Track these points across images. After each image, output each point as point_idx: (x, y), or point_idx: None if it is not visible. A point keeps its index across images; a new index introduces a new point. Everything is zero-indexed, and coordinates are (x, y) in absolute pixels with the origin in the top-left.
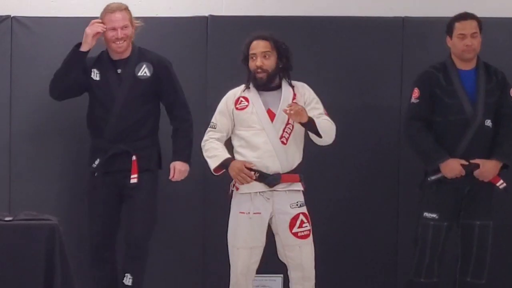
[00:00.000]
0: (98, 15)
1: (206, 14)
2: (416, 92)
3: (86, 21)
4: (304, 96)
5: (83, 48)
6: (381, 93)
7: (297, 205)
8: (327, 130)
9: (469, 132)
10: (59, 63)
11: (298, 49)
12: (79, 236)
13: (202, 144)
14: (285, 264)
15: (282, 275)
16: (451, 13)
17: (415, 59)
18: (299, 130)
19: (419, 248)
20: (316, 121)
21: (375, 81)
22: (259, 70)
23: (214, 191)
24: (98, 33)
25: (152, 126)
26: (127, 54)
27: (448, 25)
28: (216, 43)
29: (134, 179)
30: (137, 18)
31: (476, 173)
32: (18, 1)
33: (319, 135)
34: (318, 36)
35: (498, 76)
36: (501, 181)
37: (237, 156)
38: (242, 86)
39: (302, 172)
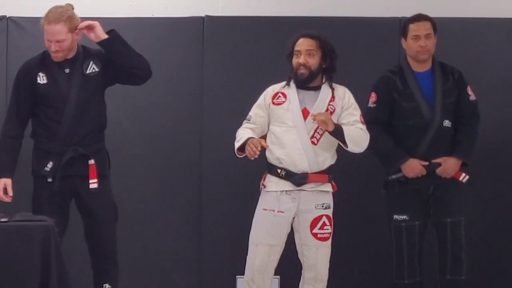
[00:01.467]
0: (94, 15)
1: (202, 15)
2: (373, 97)
3: (82, 21)
4: (343, 100)
5: None
6: None
7: (322, 206)
8: (357, 139)
9: (428, 134)
10: None
11: None
12: (75, 237)
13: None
14: (282, 266)
15: (279, 277)
16: (447, 13)
17: None
18: None
19: (396, 251)
20: (345, 129)
21: (372, 81)
22: (301, 67)
23: (210, 190)
24: None
25: (102, 127)
26: (72, 54)
27: (402, 27)
28: (212, 44)
29: (94, 184)
30: (133, 18)
31: (439, 170)
32: (14, 2)
33: (345, 144)
34: None
35: (455, 75)
36: (463, 174)
37: (268, 153)
38: (283, 82)
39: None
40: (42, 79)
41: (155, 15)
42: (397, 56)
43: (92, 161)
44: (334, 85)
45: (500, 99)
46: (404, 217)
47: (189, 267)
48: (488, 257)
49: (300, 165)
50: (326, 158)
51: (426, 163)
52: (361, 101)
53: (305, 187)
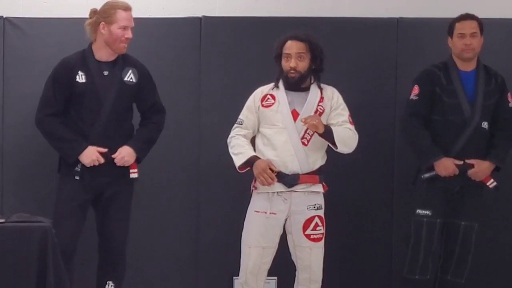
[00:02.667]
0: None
1: (200, 15)
2: (416, 89)
3: (79, 22)
4: (332, 100)
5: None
6: (376, 93)
7: (314, 207)
8: (346, 139)
9: (466, 133)
10: (51, 64)
11: None
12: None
13: (228, 140)
14: (280, 266)
15: (276, 278)
16: (445, 14)
17: (409, 59)
18: None
19: (413, 245)
20: (335, 130)
21: (370, 81)
22: (292, 71)
23: (208, 191)
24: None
25: (131, 134)
26: (113, 57)
27: (449, 26)
28: (209, 44)
29: (134, 173)
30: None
31: (470, 172)
32: (11, 2)
33: (335, 145)
34: None
35: (498, 79)
36: (492, 180)
37: (258, 154)
38: (271, 84)
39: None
40: (81, 77)
41: (152, 16)
42: (394, 56)
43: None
44: (322, 85)
45: None
46: (427, 212)
47: (186, 268)
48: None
49: (291, 166)
50: (317, 158)
51: (461, 162)
52: (359, 99)
53: (297, 188)
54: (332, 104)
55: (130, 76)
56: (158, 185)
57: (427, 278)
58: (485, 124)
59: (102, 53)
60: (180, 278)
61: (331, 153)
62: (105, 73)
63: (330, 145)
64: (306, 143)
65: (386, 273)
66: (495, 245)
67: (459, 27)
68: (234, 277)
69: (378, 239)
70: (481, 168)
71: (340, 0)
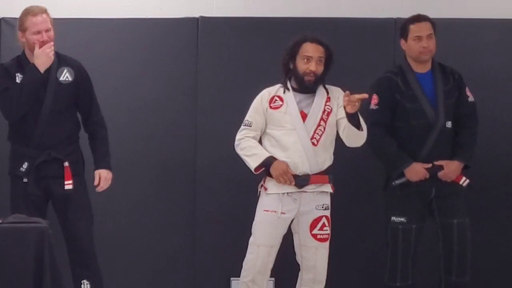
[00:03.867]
0: (88, 16)
1: (197, 15)
2: (375, 99)
3: (75, 22)
4: (338, 99)
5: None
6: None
7: (322, 207)
8: (363, 127)
9: (432, 136)
10: None
11: None
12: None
13: (237, 142)
14: (277, 268)
15: (273, 279)
16: (442, 14)
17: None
18: (330, 133)
19: (391, 253)
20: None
21: (367, 82)
22: (311, 74)
23: (205, 192)
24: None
25: (76, 131)
26: None
27: (402, 28)
28: (206, 44)
29: (69, 185)
30: (127, 19)
31: (440, 174)
32: (8, 3)
33: (359, 128)
34: None
35: (455, 76)
36: (464, 178)
37: None
38: (277, 86)
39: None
40: (19, 79)
41: (149, 16)
42: (392, 56)
43: (66, 163)
44: (327, 86)
45: (497, 100)
46: (402, 219)
47: (183, 269)
48: (487, 258)
49: (301, 166)
50: (326, 158)
51: (429, 165)
52: None
53: (306, 188)
54: (338, 102)
55: (65, 76)
56: (154, 185)
57: (409, 284)
58: (449, 124)
59: (31, 57)
60: (177, 278)
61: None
62: None
63: (347, 135)
64: (316, 143)
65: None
66: (490, 240)
67: (414, 30)
68: (231, 278)
69: (376, 240)
70: (450, 169)
71: (337, 1)
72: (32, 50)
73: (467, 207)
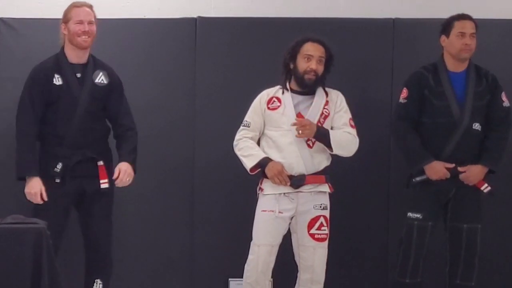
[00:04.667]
0: None
1: (195, 16)
2: (404, 92)
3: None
4: (336, 104)
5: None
6: (371, 94)
7: (320, 207)
8: (343, 142)
9: (456, 135)
10: None
11: None
12: (68, 239)
13: (235, 143)
14: (275, 268)
15: (272, 279)
16: (441, 14)
17: (405, 60)
18: None
19: (404, 248)
20: (331, 133)
21: (366, 82)
22: (312, 73)
23: (203, 193)
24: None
25: (107, 132)
26: (84, 59)
27: (445, 23)
28: (204, 45)
29: (104, 183)
30: (125, 20)
31: (462, 176)
32: (5, 3)
33: (330, 148)
34: None
35: (489, 78)
36: (486, 185)
37: None
38: (277, 87)
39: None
40: (58, 80)
41: (148, 16)
42: (390, 56)
43: (101, 162)
44: (327, 89)
45: None
46: (418, 215)
47: (182, 269)
48: (498, 264)
49: (297, 167)
50: (322, 159)
51: (452, 165)
52: (355, 100)
53: (303, 188)
54: (336, 107)
55: (101, 78)
56: (153, 186)
57: (418, 281)
58: (476, 126)
59: (73, 55)
60: (175, 279)
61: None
62: (78, 75)
63: (326, 148)
64: (311, 145)
65: (382, 276)
66: (502, 247)
67: (459, 26)
68: (229, 279)
69: (375, 241)
70: (472, 173)
71: (336, 1)
72: (72, 39)
73: (484, 213)
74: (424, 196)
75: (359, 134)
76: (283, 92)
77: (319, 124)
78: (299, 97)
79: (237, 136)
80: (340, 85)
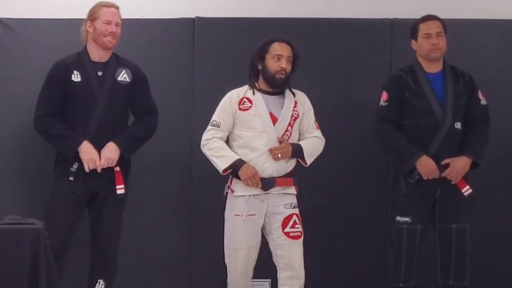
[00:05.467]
0: (84, 17)
1: (193, 16)
2: (384, 95)
3: (71, 23)
4: (304, 105)
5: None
6: (370, 94)
7: (290, 206)
8: (315, 151)
9: (439, 135)
10: (44, 65)
11: None
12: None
13: (204, 142)
14: (273, 268)
15: (270, 280)
16: (439, 14)
17: (403, 60)
18: (295, 138)
19: (395, 253)
20: (305, 148)
21: (364, 82)
22: (282, 72)
23: (201, 193)
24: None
25: None
26: (106, 57)
27: (412, 28)
28: (202, 45)
29: (121, 189)
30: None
31: (446, 172)
32: (2, 3)
33: (304, 161)
34: (306, 38)
35: (466, 78)
36: (467, 186)
37: None
38: (245, 87)
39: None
40: (76, 77)
41: (145, 17)
42: (389, 57)
43: (117, 168)
44: (293, 90)
45: (496, 101)
46: (407, 219)
47: (179, 271)
48: (490, 263)
49: (268, 169)
50: (291, 162)
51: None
52: (353, 100)
53: (272, 190)
54: (304, 109)
55: (123, 76)
56: (150, 187)
57: (412, 285)
58: (458, 125)
59: (95, 54)
60: (173, 281)
61: (327, 157)
62: (99, 73)
63: (300, 160)
64: None
65: (381, 278)
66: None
67: (424, 28)
68: (227, 280)
69: (373, 244)
70: (457, 164)
71: (334, 1)
72: (98, 38)
73: (471, 211)
74: (411, 199)
75: (357, 135)
76: (253, 93)
77: (290, 126)
78: (269, 97)
79: (205, 136)
80: (338, 85)
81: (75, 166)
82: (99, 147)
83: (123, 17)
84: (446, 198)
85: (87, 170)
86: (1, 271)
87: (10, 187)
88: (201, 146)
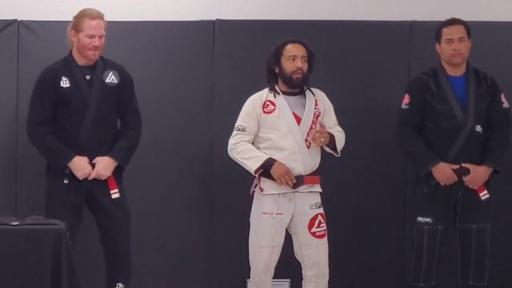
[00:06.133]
0: (106, 19)
1: (213, 18)
2: (406, 98)
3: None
4: (324, 103)
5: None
6: (388, 97)
7: (316, 206)
8: (342, 142)
9: (460, 138)
10: None
11: None
12: (86, 240)
13: (231, 147)
14: (292, 268)
15: (289, 280)
16: (457, 17)
17: (422, 62)
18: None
19: (415, 253)
20: (336, 137)
21: (382, 84)
22: (299, 71)
23: (221, 192)
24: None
25: (116, 135)
26: (92, 61)
27: (436, 31)
28: (223, 47)
29: (115, 194)
30: (144, 22)
31: (467, 179)
32: (25, 5)
33: (336, 152)
34: (325, 40)
35: (488, 81)
36: (485, 191)
37: None
38: (266, 90)
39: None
40: (65, 83)
41: (166, 19)
42: (407, 59)
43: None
44: (312, 89)
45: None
46: (428, 220)
47: (199, 270)
48: (510, 264)
49: (296, 168)
50: (317, 160)
51: (457, 166)
52: (372, 102)
53: (299, 188)
54: (325, 107)
55: (111, 78)
56: (171, 186)
57: (432, 285)
58: (479, 128)
59: (81, 59)
60: (193, 280)
61: (346, 158)
62: (87, 77)
63: (331, 151)
64: (309, 145)
65: (399, 278)
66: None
67: (446, 33)
68: (247, 279)
69: (391, 245)
70: (477, 173)
71: (353, 3)
72: (82, 51)
73: (492, 212)
74: (432, 200)
75: (375, 137)
76: (274, 96)
77: (314, 124)
78: (290, 98)
79: (232, 141)
80: (356, 87)
81: (67, 170)
82: (92, 150)
83: (144, 19)
84: (468, 199)
85: (80, 178)
86: (24, 272)
87: (32, 187)
88: (228, 152)
